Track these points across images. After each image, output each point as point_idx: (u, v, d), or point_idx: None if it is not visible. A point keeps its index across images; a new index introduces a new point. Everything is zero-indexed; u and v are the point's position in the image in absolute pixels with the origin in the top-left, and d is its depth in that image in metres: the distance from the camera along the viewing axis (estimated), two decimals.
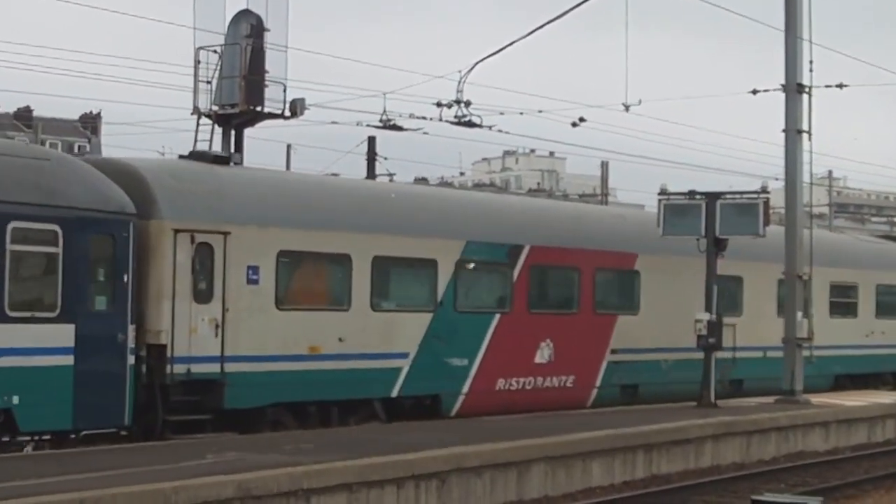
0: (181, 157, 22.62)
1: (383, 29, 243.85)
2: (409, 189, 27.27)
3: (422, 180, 67.00)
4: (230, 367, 20.61)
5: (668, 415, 24.42)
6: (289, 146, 55.68)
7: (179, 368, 19.98)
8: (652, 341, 28.62)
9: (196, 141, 23.49)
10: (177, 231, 20.21)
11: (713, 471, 22.44)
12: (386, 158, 47.07)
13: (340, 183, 25.71)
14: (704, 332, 26.57)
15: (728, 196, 27.06)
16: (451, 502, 17.54)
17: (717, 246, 27.04)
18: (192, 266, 20.33)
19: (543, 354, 26.23)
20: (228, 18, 23.66)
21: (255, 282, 21.26)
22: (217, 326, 20.45)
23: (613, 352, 27.87)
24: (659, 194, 27.54)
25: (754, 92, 31.15)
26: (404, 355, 23.58)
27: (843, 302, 35.27)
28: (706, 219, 26.77)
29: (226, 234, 20.77)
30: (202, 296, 20.43)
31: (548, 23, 27.91)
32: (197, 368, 20.21)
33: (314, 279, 22.93)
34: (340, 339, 22.39)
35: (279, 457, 16.67)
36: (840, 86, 32.22)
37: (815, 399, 28.99)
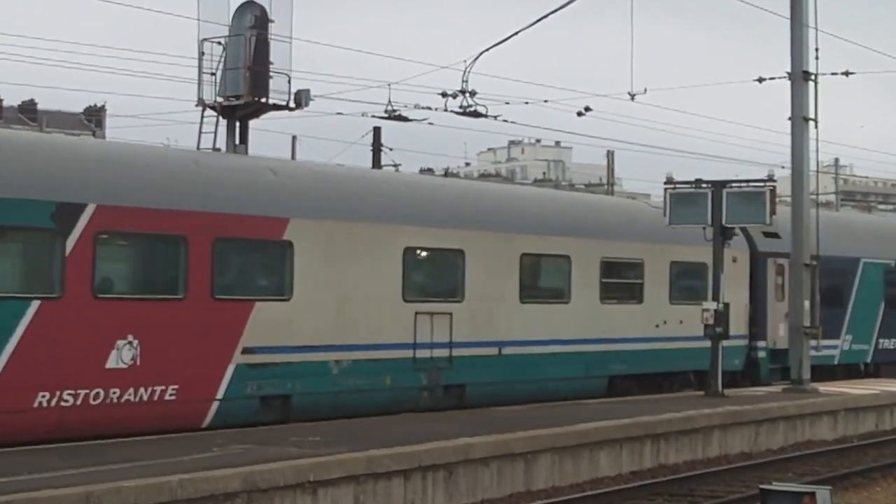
0: None
1: (388, 19, 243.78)
2: None
3: (427, 171, 67.02)
4: None
5: (675, 404, 24.37)
6: (294, 138, 55.69)
7: None
8: (314, 336, 21.83)
9: (201, 133, 23.49)
10: None
11: (721, 460, 22.40)
12: (391, 149, 47.04)
13: None
14: (711, 321, 26.43)
15: (734, 184, 26.96)
16: (459, 493, 17.52)
17: (723, 235, 26.92)
18: None
19: (122, 357, 19.10)
20: (233, 10, 23.64)
21: None
22: None
23: (247, 351, 20.78)
24: (665, 183, 27.43)
25: (760, 80, 31.16)
26: None
27: (621, 283, 28.07)
28: (712, 207, 26.66)
29: None
30: None
31: (553, 12, 27.92)
32: None
33: None
34: None
35: (285, 449, 16.64)
36: (846, 73, 32.21)
37: (824, 388, 28.92)
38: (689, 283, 29.83)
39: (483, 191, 28.46)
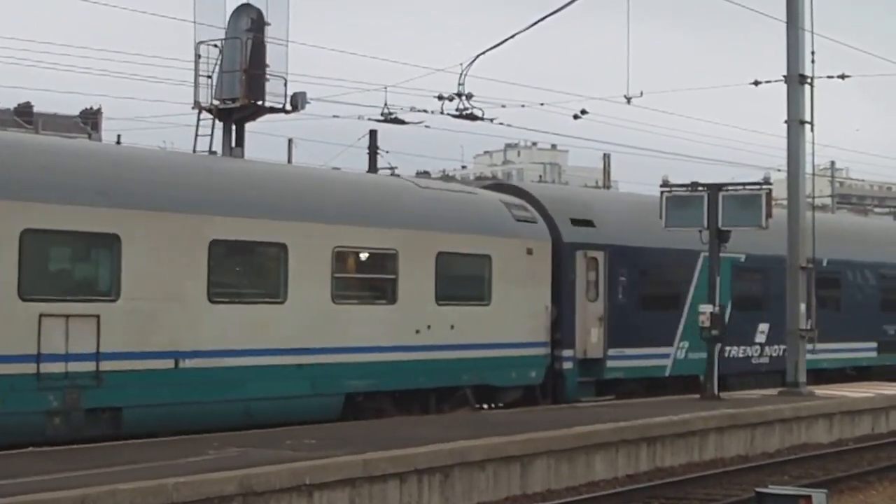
0: None
1: (384, 22, 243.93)
2: None
3: (424, 174, 67.00)
4: None
5: (671, 407, 24.36)
6: (290, 140, 55.72)
7: None
8: None
9: (197, 136, 23.52)
10: None
11: (717, 463, 22.39)
12: (388, 152, 47.00)
13: None
14: (707, 324, 26.37)
15: (730, 187, 26.98)
16: (455, 496, 17.50)
17: (720, 238, 26.92)
18: None
19: None
20: (229, 13, 23.70)
21: None
22: None
23: None
24: (661, 186, 27.43)
25: (756, 83, 31.19)
26: None
27: (364, 279, 23.01)
28: (708, 210, 26.67)
29: None
30: None
31: (549, 15, 27.90)
32: None
33: None
34: None
35: (281, 452, 16.63)
36: (842, 76, 32.23)
37: (820, 390, 28.92)
38: (463, 279, 24.63)
39: (157, 162, 21.73)
